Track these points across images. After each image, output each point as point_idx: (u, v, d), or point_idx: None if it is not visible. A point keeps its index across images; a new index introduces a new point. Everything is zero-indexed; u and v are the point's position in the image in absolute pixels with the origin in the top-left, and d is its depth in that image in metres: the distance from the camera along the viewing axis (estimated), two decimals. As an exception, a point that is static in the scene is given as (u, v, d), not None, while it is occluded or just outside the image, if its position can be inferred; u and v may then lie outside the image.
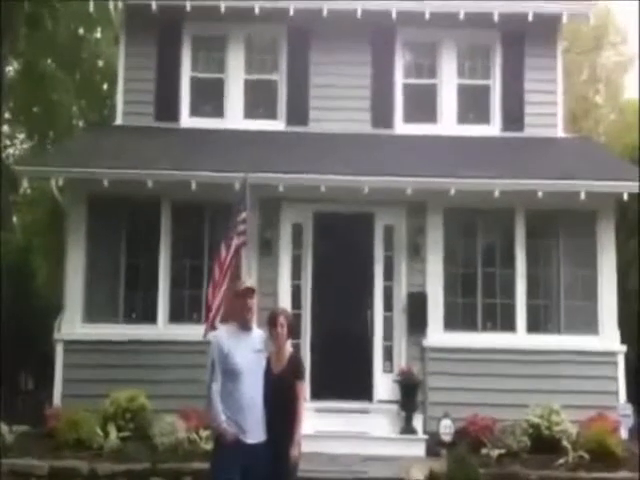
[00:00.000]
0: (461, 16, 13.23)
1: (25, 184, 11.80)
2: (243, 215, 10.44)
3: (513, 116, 13.58)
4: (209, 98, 13.86)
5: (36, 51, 17.90)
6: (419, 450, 10.69)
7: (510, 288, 12.01)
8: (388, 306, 12.05)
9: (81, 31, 19.94)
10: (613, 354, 11.72)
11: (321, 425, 10.62)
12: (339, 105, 13.34)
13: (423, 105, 13.77)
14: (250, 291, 6.83)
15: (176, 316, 11.90)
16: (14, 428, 10.86)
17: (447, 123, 13.64)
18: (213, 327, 10.00)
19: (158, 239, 12.08)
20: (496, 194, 11.45)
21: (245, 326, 6.79)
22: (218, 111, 13.70)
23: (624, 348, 11.75)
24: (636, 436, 11.24)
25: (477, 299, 12.01)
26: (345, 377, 11.54)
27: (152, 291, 11.98)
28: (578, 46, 24.67)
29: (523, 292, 11.98)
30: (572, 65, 22.78)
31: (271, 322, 6.91)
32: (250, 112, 13.70)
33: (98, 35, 20.34)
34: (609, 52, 26.64)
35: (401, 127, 13.57)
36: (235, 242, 10.33)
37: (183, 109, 13.64)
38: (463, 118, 13.74)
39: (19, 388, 17.57)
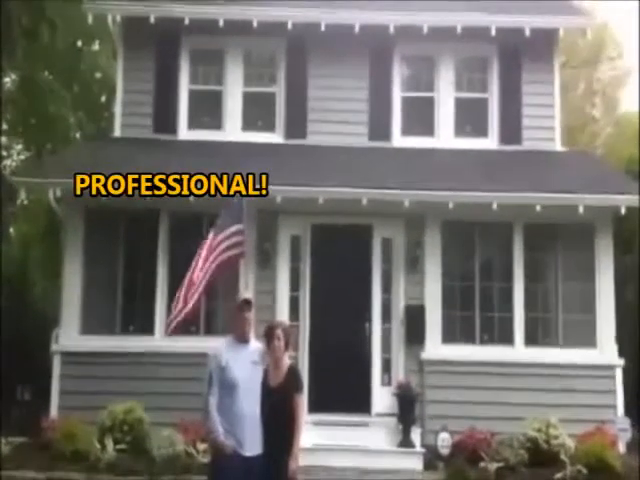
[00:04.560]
0: (458, 30, 13.28)
1: (22, 195, 11.81)
2: (239, 226, 10.42)
3: (510, 129, 13.61)
4: (207, 111, 13.87)
5: (34, 63, 17.89)
6: (417, 463, 10.64)
7: (508, 301, 12.01)
8: (386, 318, 12.04)
9: (79, 43, 19.97)
10: (611, 367, 11.71)
11: (319, 438, 10.59)
12: (337, 118, 13.38)
13: (421, 118, 13.80)
14: (247, 303, 6.82)
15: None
16: (10, 439, 10.82)
17: (445, 136, 13.67)
18: (177, 325, 9.89)
19: (155, 251, 12.08)
20: (494, 207, 11.46)
21: (243, 339, 6.78)
22: (216, 123, 13.71)
23: (622, 362, 11.75)
24: (634, 450, 11.21)
25: (475, 312, 12.00)
26: (343, 390, 11.52)
27: (149, 303, 11.95)
28: (575, 60, 24.76)
29: (521, 305, 11.98)
30: (569, 79, 22.85)
31: (269, 334, 6.89)
32: (248, 125, 13.71)
33: (96, 47, 20.39)
34: (606, 66, 26.76)
35: (399, 140, 13.59)
36: (221, 247, 10.26)
37: (181, 121, 13.65)
38: (461, 131, 13.76)
39: (16, 399, 17.48)
